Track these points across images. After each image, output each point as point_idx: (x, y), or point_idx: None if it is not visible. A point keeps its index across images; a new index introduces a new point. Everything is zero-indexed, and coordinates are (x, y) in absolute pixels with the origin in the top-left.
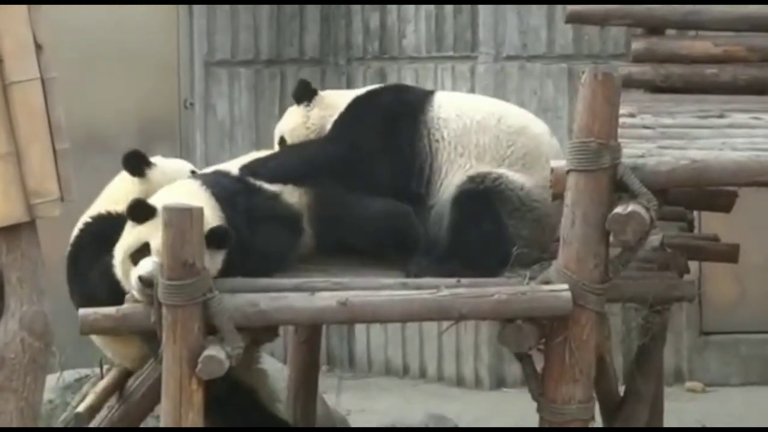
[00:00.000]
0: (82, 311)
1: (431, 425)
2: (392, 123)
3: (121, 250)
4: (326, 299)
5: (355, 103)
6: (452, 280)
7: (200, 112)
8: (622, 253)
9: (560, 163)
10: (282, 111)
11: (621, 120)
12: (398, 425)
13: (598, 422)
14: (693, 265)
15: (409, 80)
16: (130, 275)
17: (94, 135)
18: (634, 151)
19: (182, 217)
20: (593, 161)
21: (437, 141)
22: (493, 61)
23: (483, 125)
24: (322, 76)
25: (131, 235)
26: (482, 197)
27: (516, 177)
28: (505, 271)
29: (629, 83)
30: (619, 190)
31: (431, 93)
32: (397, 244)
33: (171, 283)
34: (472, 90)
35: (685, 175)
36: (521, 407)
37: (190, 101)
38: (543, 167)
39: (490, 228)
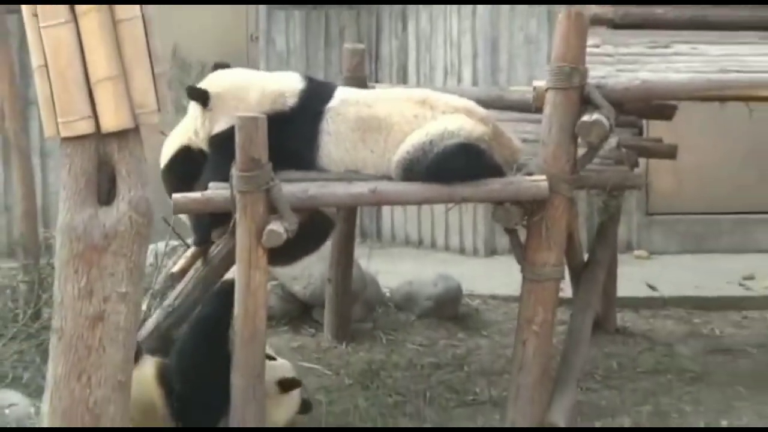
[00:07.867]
0: (175, 195)
1: (440, 283)
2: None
3: None
4: (360, 187)
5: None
6: None
7: (263, 44)
8: (588, 152)
9: (540, 83)
10: (327, 45)
11: (588, 49)
12: (415, 282)
13: (567, 281)
14: (642, 161)
15: (424, 17)
16: None
17: (180, 62)
18: (598, 73)
19: (251, 124)
20: (566, 81)
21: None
22: (490, 4)
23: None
24: (357, 17)
25: None
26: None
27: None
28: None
29: (596, 21)
30: (586, 103)
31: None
32: None
33: (242, 174)
34: (473, 24)
35: (637, 92)
36: (509, 270)
37: (256, 35)
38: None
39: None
